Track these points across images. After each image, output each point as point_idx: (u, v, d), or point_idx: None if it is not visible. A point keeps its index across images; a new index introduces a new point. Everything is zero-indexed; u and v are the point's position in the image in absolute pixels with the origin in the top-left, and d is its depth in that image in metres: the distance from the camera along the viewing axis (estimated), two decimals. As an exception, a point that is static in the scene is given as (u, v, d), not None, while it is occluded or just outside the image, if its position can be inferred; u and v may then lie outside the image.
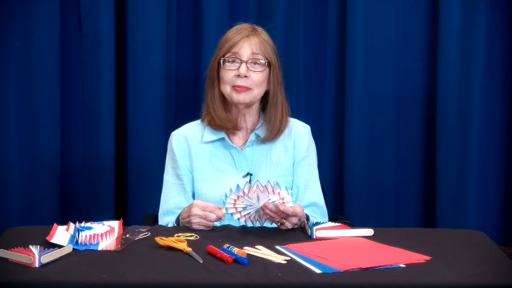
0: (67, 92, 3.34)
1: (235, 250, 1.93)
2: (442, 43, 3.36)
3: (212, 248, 1.95)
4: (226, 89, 2.40)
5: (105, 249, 2.00)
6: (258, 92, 2.41)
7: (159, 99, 3.34)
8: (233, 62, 2.39)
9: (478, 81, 3.38)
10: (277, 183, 2.16)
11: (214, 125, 2.45)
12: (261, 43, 2.40)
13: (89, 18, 3.28)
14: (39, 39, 3.25)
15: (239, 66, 2.38)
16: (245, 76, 2.37)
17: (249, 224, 2.22)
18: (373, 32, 3.38)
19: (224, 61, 2.39)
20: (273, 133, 2.46)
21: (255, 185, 2.15)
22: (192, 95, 3.38)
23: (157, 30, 3.31)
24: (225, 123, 2.43)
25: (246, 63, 2.38)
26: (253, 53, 2.39)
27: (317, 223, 2.18)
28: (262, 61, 2.39)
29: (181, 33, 3.39)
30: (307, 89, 3.45)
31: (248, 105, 2.43)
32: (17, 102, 3.27)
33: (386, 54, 3.40)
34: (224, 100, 2.43)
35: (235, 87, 2.38)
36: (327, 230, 2.15)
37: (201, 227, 2.21)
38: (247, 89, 2.39)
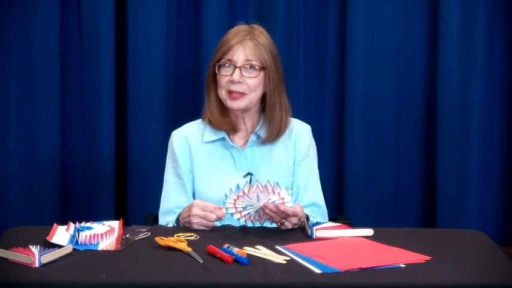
0: (67, 92, 3.34)
1: (235, 250, 1.93)
2: (442, 43, 3.36)
3: (212, 248, 1.95)
4: (222, 94, 2.40)
5: (105, 249, 2.00)
6: (253, 96, 2.41)
7: (159, 99, 3.34)
8: (228, 66, 2.38)
9: (478, 81, 3.38)
10: (277, 183, 2.16)
11: (213, 125, 2.45)
12: (256, 47, 2.39)
13: (89, 18, 3.28)
14: (39, 39, 3.25)
15: (232, 72, 2.38)
16: (239, 82, 2.37)
17: (249, 224, 2.22)
18: (373, 32, 3.38)
19: (219, 66, 2.39)
20: (273, 134, 2.45)
21: (255, 185, 2.15)
22: (192, 95, 3.38)
23: (157, 30, 3.30)
24: (222, 126, 2.43)
25: (240, 68, 2.37)
26: (247, 59, 2.38)
27: (317, 223, 2.18)
28: (256, 66, 2.38)
29: (181, 33, 3.39)
30: (307, 89, 3.45)
31: (245, 109, 2.43)
32: (17, 102, 3.27)
33: (386, 54, 3.40)
34: (221, 103, 2.43)
35: (230, 95, 2.38)
36: (327, 230, 2.15)
37: (201, 227, 2.21)
38: (242, 95, 2.38)
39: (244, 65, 2.37)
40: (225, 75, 2.38)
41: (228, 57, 2.38)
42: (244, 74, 2.37)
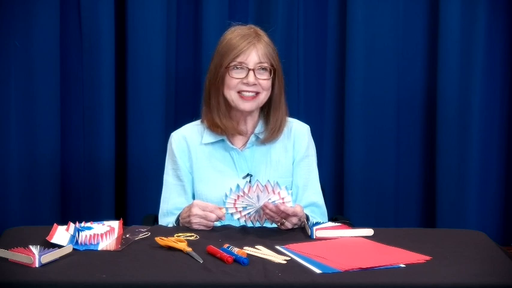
0: (67, 92, 3.34)
1: (235, 250, 1.93)
2: (442, 43, 3.36)
3: (212, 248, 1.95)
4: (232, 95, 2.39)
5: (105, 249, 2.00)
6: (264, 97, 2.41)
7: (159, 99, 3.34)
8: (239, 69, 2.38)
9: (478, 81, 3.38)
10: (277, 183, 2.16)
11: (215, 131, 2.44)
12: (266, 48, 2.39)
13: (89, 18, 3.28)
14: (39, 39, 3.25)
15: (246, 74, 2.37)
16: (253, 84, 2.37)
17: (249, 224, 2.22)
18: (373, 32, 3.38)
19: (230, 69, 2.38)
20: (273, 134, 2.45)
21: (255, 185, 2.15)
22: (192, 95, 3.38)
23: (157, 30, 3.30)
24: (228, 131, 2.43)
25: (254, 70, 2.37)
26: (259, 61, 2.37)
27: (317, 223, 2.18)
28: (268, 67, 2.39)
29: (181, 33, 3.39)
30: (307, 89, 3.45)
31: (253, 110, 2.43)
32: (17, 102, 3.27)
33: (386, 54, 3.40)
34: (227, 105, 2.42)
35: (242, 96, 2.38)
36: (327, 230, 2.15)
37: (201, 227, 2.21)
38: (257, 94, 2.38)
39: (256, 67, 2.37)
40: (237, 78, 2.37)
41: (240, 59, 2.37)
42: (257, 75, 2.37)
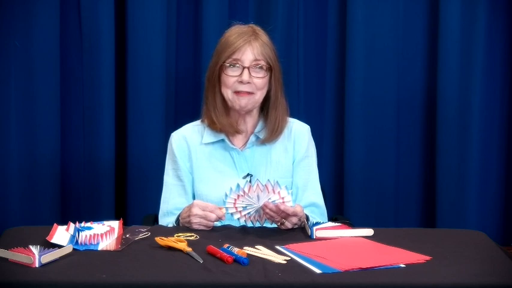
0: (67, 92, 3.34)
1: (235, 250, 1.93)
2: (442, 43, 3.36)
3: (212, 248, 1.95)
4: (228, 94, 2.39)
5: (105, 249, 2.00)
6: (260, 96, 2.41)
7: (159, 99, 3.34)
8: (235, 66, 2.38)
9: (478, 81, 3.38)
10: (277, 182, 2.16)
11: (214, 128, 2.44)
12: (262, 47, 2.39)
13: (89, 18, 3.28)
14: (39, 39, 3.25)
15: (241, 72, 2.37)
16: (248, 82, 2.37)
17: (249, 224, 2.22)
18: (373, 32, 3.38)
19: (226, 66, 2.38)
20: (273, 134, 2.45)
21: (255, 184, 2.15)
22: (192, 95, 3.38)
23: (157, 30, 3.31)
24: (226, 128, 2.43)
25: (248, 68, 2.37)
26: (255, 59, 2.37)
27: (317, 223, 2.18)
28: (264, 66, 2.38)
29: (181, 33, 3.40)
30: (307, 89, 3.45)
31: (250, 109, 2.43)
32: (17, 102, 3.27)
33: (386, 54, 3.40)
34: (225, 104, 2.43)
35: (237, 94, 2.38)
36: (327, 230, 2.15)
37: (201, 227, 2.21)
38: (249, 94, 2.38)
39: (252, 65, 2.37)
40: (232, 76, 2.37)
41: (236, 57, 2.37)
42: (253, 74, 2.37)
